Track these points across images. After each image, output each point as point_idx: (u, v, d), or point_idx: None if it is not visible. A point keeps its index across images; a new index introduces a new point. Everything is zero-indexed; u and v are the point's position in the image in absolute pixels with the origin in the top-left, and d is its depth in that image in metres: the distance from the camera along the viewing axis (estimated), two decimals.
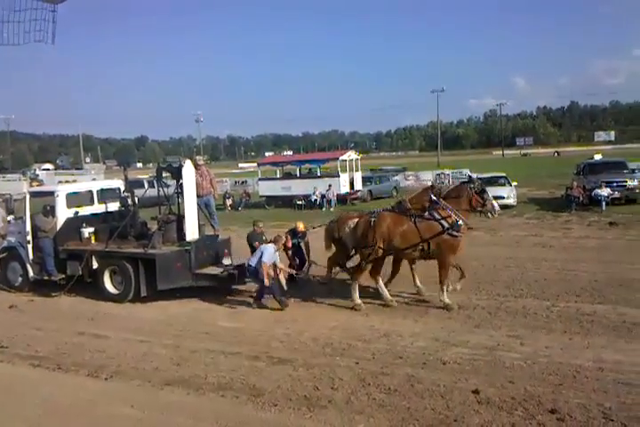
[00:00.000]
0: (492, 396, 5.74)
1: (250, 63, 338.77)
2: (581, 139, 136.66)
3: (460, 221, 9.06)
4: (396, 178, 34.78)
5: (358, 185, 29.03)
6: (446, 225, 9.03)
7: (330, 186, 26.83)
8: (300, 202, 27.47)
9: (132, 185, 12.80)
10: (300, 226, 11.40)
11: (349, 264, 10.42)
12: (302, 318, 9.03)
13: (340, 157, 28.58)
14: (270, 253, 9.80)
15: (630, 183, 21.21)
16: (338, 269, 10.55)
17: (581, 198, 20.71)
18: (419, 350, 7.27)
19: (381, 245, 9.35)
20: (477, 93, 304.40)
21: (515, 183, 24.09)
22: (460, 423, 5.25)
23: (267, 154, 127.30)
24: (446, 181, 34.32)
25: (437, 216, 9.15)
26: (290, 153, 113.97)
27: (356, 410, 5.66)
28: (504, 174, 25.30)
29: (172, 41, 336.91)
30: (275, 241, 10.18)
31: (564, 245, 14.33)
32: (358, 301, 9.44)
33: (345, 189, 27.88)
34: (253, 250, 10.55)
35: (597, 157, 39.51)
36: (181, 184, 10.78)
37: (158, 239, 10.69)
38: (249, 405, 5.97)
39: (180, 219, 10.95)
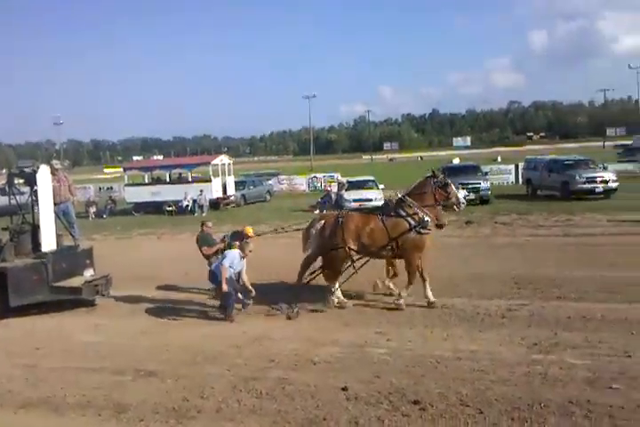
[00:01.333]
0: (359, 392, 5.91)
1: (116, 63, 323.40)
2: (442, 144, 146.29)
3: (427, 218, 9.01)
4: (269, 182, 34.94)
5: (231, 190, 28.77)
6: (413, 223, 8.98)
7: (201, 191, 26.34)
8: (171, 208, 26.68)
9: None
10: (250, 231, 10.38)
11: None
12: (172, 328, 8.74)
13: (212, 162, 28.19)
14: (233, 258, 9.04)
15: (483, 185, 23.06)
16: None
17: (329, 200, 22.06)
18: (290, 352, 7.31)
19: (351, 246, 9.15)
20: (347, 100, 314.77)
21: (382, 186, 25.20)
22: (330, 421, 5.34)
23: (135, 158, 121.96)
24: (319, 184, 35.15)
25: (404, 213, 9.07)
26: (160, 157, 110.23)
27: (227, 418, 5.56)
28: (372, 178, 26.37)
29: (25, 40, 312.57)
30: (241, 248, 9.32)
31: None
32: (343, 299, 9.33)
33: (217, 193, 27.52)
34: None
35: (456, 160, 42.31)
36: (36, 191, 10.00)
37: (10, 251, 9.84)
38: (112, 422, 5.64)
39: (35, 229, 10.15)
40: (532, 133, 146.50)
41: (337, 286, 9.42)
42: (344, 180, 28.01)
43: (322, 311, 9.12)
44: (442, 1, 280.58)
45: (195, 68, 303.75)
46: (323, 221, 9.54)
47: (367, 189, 24.57)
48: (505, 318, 8.20)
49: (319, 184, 35.50)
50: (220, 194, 27.71)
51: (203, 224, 10.79)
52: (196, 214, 25.67)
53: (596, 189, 22.12)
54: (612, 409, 5.24)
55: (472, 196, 22.26)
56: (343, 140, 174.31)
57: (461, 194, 21.35)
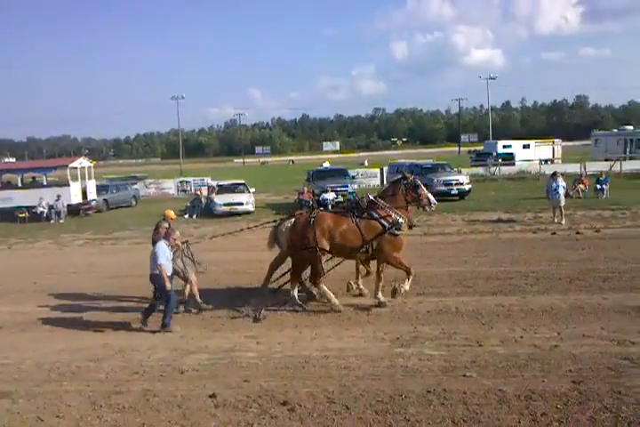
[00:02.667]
0: (228, 397, 5.83)
1: None
2: (312, 148, 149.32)
3: (401, 220, 8.97)
4: (135, 186, 33.41)
5: (92, 194, 27.15)
6: (387, 224, 8.90)
7: (58, 196, 24.59)
8: (24, 215, 24.58)
9: None
10: (171, 213, 9.88)
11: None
12: (24, 343, 8.04)
13: (70, 165, 26.41)
14: (164, 251, 8.43)
15: (351, 188, 23.86)
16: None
17: (311, 202, 22.56)
18: (156, 362, 7.04)
19: (323, 246, 8.88)
20: (218, 103, 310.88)
21: (253, 190, 25.18)
22: None
23: None
24: (188, 189, 34.32)
25: (376, 215, 8.98)
26: (12, 160, 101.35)
27: None
28: (243, 181, 26.26)
29: None
30: (165, 236, 8.71)
31: None
32: (336, 301, 8.93)
33: (77, 199, 25.84)
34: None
35: (326, 164, 43.34)
36: None
37: None
38: None
39: None
40: (395, 139, 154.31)
41: (296, 290, 9.30)
42: (214, 183, 27.64)
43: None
44: (313, 10, 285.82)
45: (54, 64, 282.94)
46: (292, 220, 9.40)
47: (238, 192, 24.44)
48: (369, 316, 8.50)
49: (189, 188, 34.65)
50: (79, 199, 25.99)
51: (157, 226, 9.86)
52: (52, 221, 23.91)
53: (452, 191, 23.77)
54: (465, 396, 5.64)
55: (340, 198, 22.97)
56: (214, 143, 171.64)
57: (330, 196, 22.09)
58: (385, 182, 31.71)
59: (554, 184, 17.16)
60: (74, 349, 7.69)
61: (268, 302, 9.09)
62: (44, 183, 26.68)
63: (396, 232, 8.95)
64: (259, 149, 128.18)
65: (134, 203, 29.97)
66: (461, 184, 24.11)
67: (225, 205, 22.90)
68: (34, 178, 28.07)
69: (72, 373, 6.84)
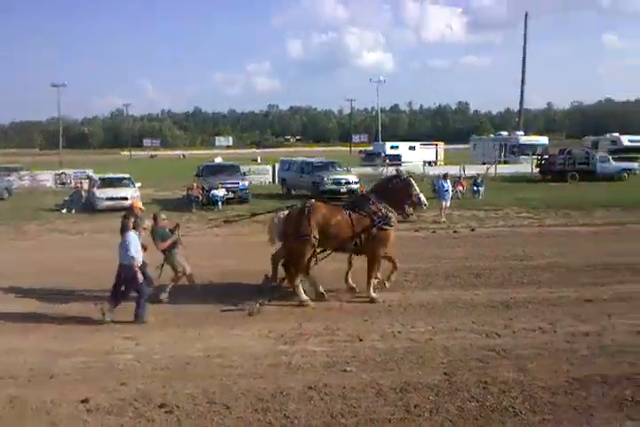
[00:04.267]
0: (102, 402, 5.57)
1: None
2: (204, 143, 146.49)
3: (391, 215, 9.09)
4: (8, 178, 30.90)
5: None
6: (377, 219, 8.97)
7: None
8: None
9: None
10: (138, 204, 9.73)
11: None
12: None
13: None
14: (135, 242, 8.24)
15: (242, 184, 23.66)
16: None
17: (201, 198, 22.11)
18: (25, 366, 6.57)
19: (316, 236, 8.84)
20: (103, 92, 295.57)
21: (139, 184, 24.22)
22: None
23: None
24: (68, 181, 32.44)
25: (368, 210, 9.08)
26: None
27: None
28: (128, 175, 25.16)
29: None
30: (135, 226, 8.55)
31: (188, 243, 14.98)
32: (305, 297, 8.95)
33: None
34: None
35: (218, 159, 42.69)
36: None
37: None
38: None
39: None
40: (289, 136, 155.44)
41: (299, 281, 9.09)
42: (96, 177, 26.26)
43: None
44: (218, 3, 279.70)
45: None
46: (286, 211, 9.38)
47: (122, 186, 23.36)
48: (256, 314, 8.47)
49: (68, 181, 32.68)
50: None
51: (155, 217, 9.38)
52: None
53: (341, 190, 24.27)
54: (345, 390, 5.79)
55: (231, 195, 22.68)
56: (99, 133, 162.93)
57: (221, 193, 21.75)
58: (276, 179, 31.79)
59: (445, 185, 18.28)
60: None
61: (273, 295, 8.96)
62: None
63: (385, 227, 9.12)
64: (147, 142, 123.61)
65: (7, 195, 27.73)
66: (350, 183, 24.67)
67: (107, 199, 21.80)
68: None
69: None
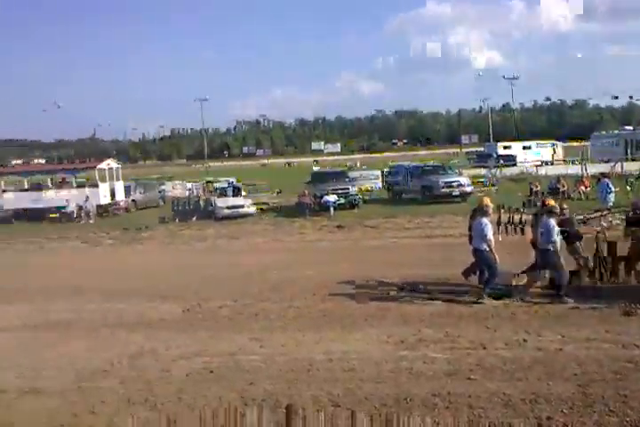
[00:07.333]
0: (233, 400, 5.81)
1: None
2: (312, 150, 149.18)
3: None
4: (162, 187, 33.50)
5: (120, 195, 27.37)
6: None
7: (87, 197, 24.82)
8: (54, 215, 24.75)
9: None
10: (487, 201, 10.02)
11: None
12: (54, 342, 8.11)
13: (99, 166, 26.73)
14: (490, 228, 9.37)
15: (352, 190, 23.91)
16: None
17: (312, 205, 22.59)
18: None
19: None
20: (240, 103, 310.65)
21: (244, 193, 25.45)
22: None
23: (14, 162, 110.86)
24: None
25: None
26: (42, 162, 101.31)
27: None
28: (239, 184, 26.47)
29: None
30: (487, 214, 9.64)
31: (301, 248, 15.45)
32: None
33: (105, 199, 26.11)
34: None
35: (316, 168, 43.03)
36: None
37: None
38: None
39: None
40: (396, 140, 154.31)
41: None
42: (217, 186, 27.78)
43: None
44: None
45: (79, 70, 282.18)
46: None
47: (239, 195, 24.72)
48: (374, 319, 8.49)
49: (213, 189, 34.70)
50: (107, 199, 26.31)
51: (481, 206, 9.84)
52: (82, 221, 24.11)
53: (454, 193, 23.75)
54: (470, 399, 5.64)
55: (342, 200, 22.97)
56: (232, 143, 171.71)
57: (332, 198, 22.09)
58: (385, 184, 31.69)
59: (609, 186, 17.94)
60: (105, 348, 7.75)
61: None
62: (74, 184, 27.00)
63: None
64: (260, 151, 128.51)
65: (162, 203, 30.02)
66: (462, 185, 24.08)
67: (227, 208, 22.95)
68: (63, 179, 28.40)
69: (105, 370, 6.91)
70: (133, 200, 28.13)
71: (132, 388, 6.35)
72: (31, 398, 6.21)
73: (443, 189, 23.55)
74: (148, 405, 5.87)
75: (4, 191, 27.56)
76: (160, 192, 31.73)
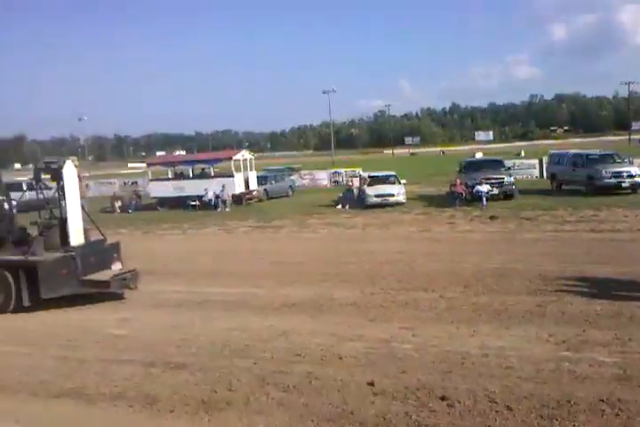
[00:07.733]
0: (386, 387, 5.92)
1: (138, 60, 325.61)
2: (463, 138, 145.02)
3: None
4: (292, 177, 35.02)
5: (253, 185, 28.93)
6: None
7: (223, 186, 26.52)
8: (194, 203, 26.92)
9: (9, 188, 11.92)
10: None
11: None
12: (198, 321, 8.82)
13: (234, 157, 28.34)
14: None
15: (507, 180, 22.81)
16: None
17: (464, 194, 21.95)
18: (316, 346, 7.33)
19: None
20: (365, 94, 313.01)
21: (404, 181, 25.12)
22: (357, 415, 5.36)
23: (158, 154, 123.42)
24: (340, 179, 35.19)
25: None
26: (183, 153, 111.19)
27: (255, 410, 5.61)
28: (394, 173, 26.28)
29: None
30: None
31: (451, 239, 15.14)
32: None
33: (240, 188, 27.71)
34: None
35: (478, 155, 41.87)
36: (62, 186, 10.16)
37: (39, 245, 10.02)
38: (144, 413, 5.74)
39: (63, 223, 10.31)
40: (555, 127, 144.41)
41: None
42: (366, 175, 27.98)
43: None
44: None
45: (216, 65, 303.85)
46: None
47: (389, 183, 24.53)
48: (532, 315, 8.11)
49: (341, 179, 35.50)
50: (242, 189, 27.87)
51: None
52: (219, 209, 25.84)
53: (623, 184, 21.74)
54: None
55: (496, 191, 22.05)
56: (364, 134, 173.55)
57: (485, 188, 21.29)
58: (544, 173, 29.83)
59: None
60: (242, 328, 8.28)
61: None
62: (212, 174, 28.97)
63: None
64: (408, 140, 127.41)
65: (291, 193, 31.40)
66: (633, 176, 21.94)
67: (376, 196, 23.09)
68: (203, 169, 30.55)
69: (241, 350, 7.37)
70: (265, 190, 29.41)
71: (266, 368, 6.64)
72: (175, 373, 6.72)
73: (609, 180, 21.65)
74: (281, 386, 6.12)
75: (151, 181, 30.21)
76: (289, 182, 32.91)
